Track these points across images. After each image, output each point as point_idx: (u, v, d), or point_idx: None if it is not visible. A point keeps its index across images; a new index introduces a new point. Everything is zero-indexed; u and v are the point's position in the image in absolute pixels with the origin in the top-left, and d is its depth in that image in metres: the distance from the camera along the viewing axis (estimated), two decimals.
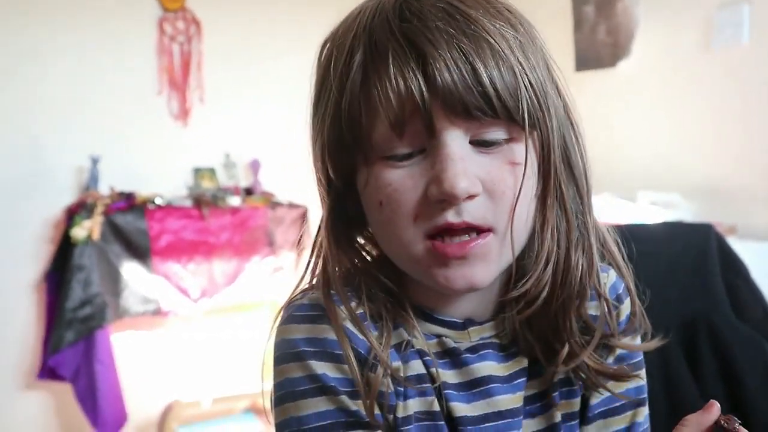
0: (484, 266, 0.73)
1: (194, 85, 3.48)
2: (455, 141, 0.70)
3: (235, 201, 3.32)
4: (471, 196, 0.71)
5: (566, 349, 0.78)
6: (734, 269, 1.59)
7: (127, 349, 3.22)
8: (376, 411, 0.76)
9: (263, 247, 3.33)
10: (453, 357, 0.80)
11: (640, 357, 0.86)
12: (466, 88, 0.68)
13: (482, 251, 0.72)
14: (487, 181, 0.71)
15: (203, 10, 3.48)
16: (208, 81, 3.50)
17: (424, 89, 0.69)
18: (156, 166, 3.40)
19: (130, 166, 3.33)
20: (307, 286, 0.84)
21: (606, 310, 0.80)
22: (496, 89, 0.69)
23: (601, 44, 3.26)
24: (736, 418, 0.68)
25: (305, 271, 0.84)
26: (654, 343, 0.84)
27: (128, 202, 3.10)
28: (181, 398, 3.23)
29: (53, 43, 3.19)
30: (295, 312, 0.80)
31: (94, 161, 3.15)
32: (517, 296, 0.76)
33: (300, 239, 3.34)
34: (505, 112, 0.70)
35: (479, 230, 0.72)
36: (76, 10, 3.24)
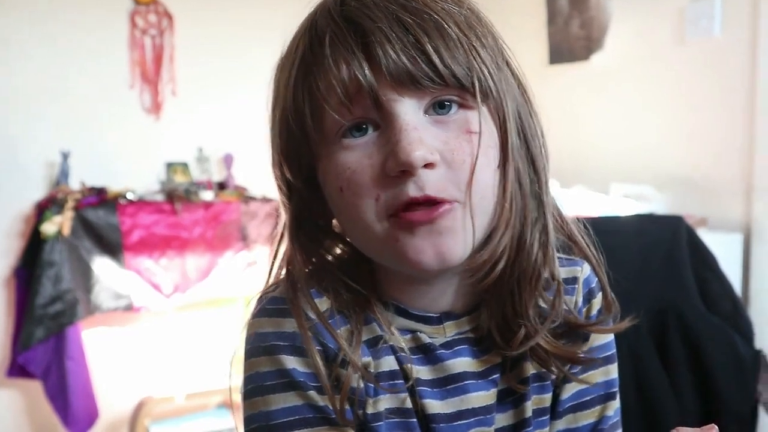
0: (453, 237, 0.71)
1: (166, 78, 3.45)
2: (408, 112, 0.70)
3: (208, 195, 3.30)
4: (429, 165, 0.69)
5: (522, 331, 0.76)
6: (704, 262, 1.61)
7: (98, 346, 3.19)
8: (346, 406, 0.75)
9: (236, 241, 3.31)
10: (427, 353, 0.79)
11: (612, 352, 0.86)
12: (410, 59, 0.68)
13: (449, 221, 0.70)
14: (445, 151, 0.70)
15: (175, 3, 3.45)
16: (180, 74, 3.47)
17: (365, 66, 0.69)
18: (128, 161, 3.37)
19: (101, 160, 3.30)
20: (279, 278, 0.83)
21: (560, 294, 0.79)
22: (442, 57, 0.69)
23: (574, 38, 3.26)
24: None
25: (269, 273, 0.83)
26: (623, 324, 0.82)
27: (99, 197, 3.07)
28: (153, 394, 3.21)
29: (23, 36, 3.15)
30: (267, 305, 0.79)
31: (65, 156, 3.12)
32: (477, 266, 0.74)
33: (273, 233, 3.34)
34: (454, 79, 0.69)
35: (444, 203, 0.71)
36: (46, 2, 3.20)
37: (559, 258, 0.83)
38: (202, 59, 3.51)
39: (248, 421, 0.77)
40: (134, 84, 3.40)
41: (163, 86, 3.45)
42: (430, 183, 0.69)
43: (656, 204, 2.69)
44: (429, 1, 0.71)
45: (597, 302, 0.85)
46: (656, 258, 1.59)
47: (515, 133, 0.75)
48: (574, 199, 2.69)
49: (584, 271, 0.85)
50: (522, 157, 0.76)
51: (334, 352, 0.75)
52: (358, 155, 0.72)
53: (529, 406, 0.81)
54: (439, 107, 0.71)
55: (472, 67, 0.70)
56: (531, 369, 0.81)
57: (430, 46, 0.68)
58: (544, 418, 0.82)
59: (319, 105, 0.71)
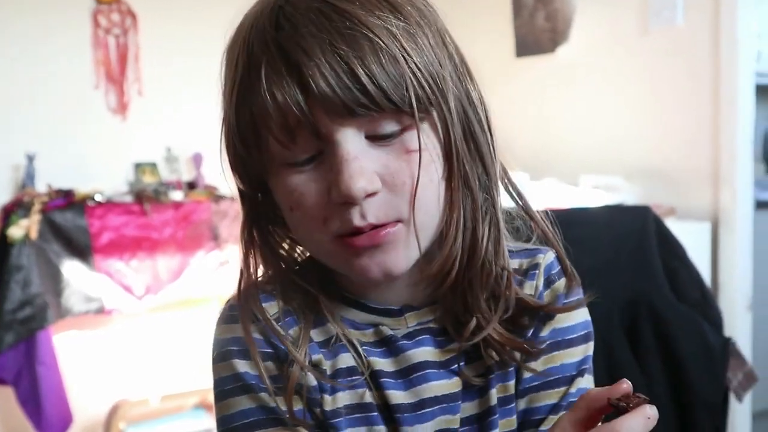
0: (396, 253, 0.74)
1: (132, 78, 3.42)
2: (348, 140, 0.70)
3: (177, 195, 3.28)
4: (371, 194, 0.71)
5: (473, 322, 0.78)
6: (672, 251, 1.62)
7: (70, 350, 3.15)
8: (300, 406, 0.77)
9: (208, 241, 3.29)
10: (389, 345, 0.81)
11: (585, 331, 0.85)
12: (344, 89, 0.68)
13: (392, 239, 0.73)
14: (386, 175, 0.72)
15: (138, 1, 3.42)
16: (146, 74, 3.44)
17: (301, 99, 0.69)
18: (95, 162, 3.34)
19: (68, 162, 3.26)
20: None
21: (510, 285, 0.79)
22: (376, 83, 0.68)
23: (540, 30, 3.28)
24: (642, 396, 0.62)
25: (240, 278, 0.84)
26: (577, 302, 0.84)
27: (67, 200, 3.03)
28: (128, 397, 3.18)
29: None
30: (225, 311, 0.83)
31: (30, 158, 3.08)
32: (432, 275, 0.77)
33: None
34: (389, 104, 0.69)
35: (386, 226, 0.73)
36: (8, 3, 3.16)
37: (523, 249, 0.87)
38: (167, 58, 3.48)
39: (217, 424, 0.81)
40: (99, 84, 3.37)
41: (129, 86, 3.42)
42: (373, 210, 0.71)
43: (625, 194, 2.71)
44: (365, 17, 0.70)
45: (560, 286, 0.85)
46: (626, 248, 1.60)
47: (461, 137, 0.75)
48: (544, 191, 2.71)
49: (547, 258, 0.85)
50: (469, 157, 0.76)
51: (285, 353, 0.78)
52: (304, 178, 0.73)
53: (494, 395, 0.81)
54: (380, 136, 0.72)
55: (409, 86, 0.69)
56: (493, 357, 0.81)
57: (363, 72, 0.68)
58: (510, 406, 0.83)
59: (262, 131, 0.72)
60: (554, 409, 0.82)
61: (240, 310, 0.80)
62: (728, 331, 1.82)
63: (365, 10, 0.70)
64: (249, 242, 0.82)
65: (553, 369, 0.83)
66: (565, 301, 0.84)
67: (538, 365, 0.82)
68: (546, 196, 2.61)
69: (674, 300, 1.55)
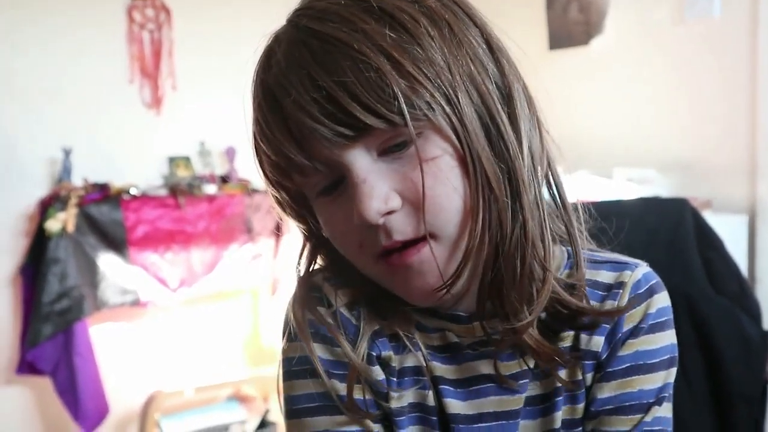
0: (433, 273, 0.71)
1: (166, 72, 3.44)
2: (356, 163, 0.69)
3: (211, 189, 3.30)
4: (390, 212, 0.69)
5: (510, 326, 0.73)
6: (710, 243, 1.60)
7: (106, 341, 3.19)
8: (367, 397, 0.77)
9: (241, 234, 3.31)
10: (453, 352, 0.79)
11: (660, 359, 0.80)
12: (329, 118, 0.67)
13: (425, 259, 0.71)
14: (405, 189, 0.69)
15: None
16: (180, 68, 3.46)
17: (292, 148, 0.69)
18: (130, 156, 3.37)
19: (103, 156, 3.29)
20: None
21: (546, 286, 0.74)
22: (361, 103, 0.66)
23: (573, 22, 3.26)
24: None
25: (300, 258, 0.85)
26: (664, 324, 0.80)
27: (103, 193, 3.07)
28: (163, 388, 3.22)
29: (21, 33, 3.14)
30: (306, 292, 0.81)
31: (66, 152, 3.12)
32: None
33: (278, 226, 3.35)
34: (380, 121, 0.67)
35: (416, 240, 0.71)
36: (44, 0, 3.19)
37: (609, 261, 0.82)
38: (200, 52, 3.50)
39: (283, 402, 0.81)
40: (134, 79, 3.39)
41: (163, 81, 3.44)
42: (397, 227, 0.70)
43: (659, 187, 2.69)
44: (343, 34, 0.68)
45: (648, 306, 0.79)
46: (662, 241, 1.58)
47: (479, 137, 0.71)
48: (577, 184, 2.69)
49: (635, 275, 0.80)
50: (492, 157, 0.71)
51: (354, 340, 0.77)
52: (334, 210, 0.73)
53: (559, 417, 0.79)
54: (391, 149, 0.70)
55: (399, 97, 0.66)
56: (563, 377, 0.78)
57: (344, 96, 0.66)
58: (576, 430, 0.80)
59: (283, 172, 0.74)
60: None
61: (318, 294, 0.79)
62: (767, 323, 1.80)
63: (346, 27, 0.68)
64: (320, 257, 0.83)
65: (629, 394, 0.78)
66: (621, 307, 0.78)
67: (612, 388, 0.78)
68: (578, 189, 2.59)
69: (712, 292, 1.54)
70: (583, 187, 2.65)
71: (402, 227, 0.70)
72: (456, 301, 0.75)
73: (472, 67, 0.71)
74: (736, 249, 1.65)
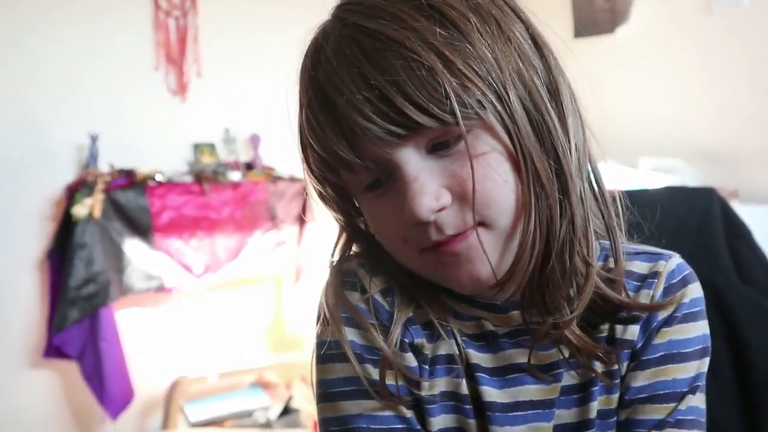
0: (481, 260, 0.71)
1: (191, 59, 3.46)
2: (407, 161, 0.70)
3: (235, 176, 3.32)
4: (441, 209, 0.70)
5: (550, 321, 0.74)
6: (737, 232, 1.59)
7: (131, 326, 3.23)
8: (399, 383, 0.77)
9: (265, 221, 3.33)
10: (489, 341, 0.79)
11: (694, 348, 0.80)
12: (383, 117, 0.67)
13: (474, 245, 0.71)
14: (454, 185, 0.70)
15: None
16: (205, 55, 3.47)
17: (340, 141, 0.70)
18: (155, 143, 3.39)
19: (129, 142, 3.32)
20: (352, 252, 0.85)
21: (589, 282, 0.74)
22: (414, 103, 0.67)
23: (599, 10, 3.23)
24: None
25: (336, 245, 0.86)
26: (697, 314, 0.81)
27: (128, 179, 3.10)
28: (187, 374, 3.25)
29: (48, 21, 3.16)
30: (341, 277, 0.81)
31: (93, 138, 3.14)
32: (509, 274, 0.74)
33: (302, 213, 3.37)
34: (432, 120, 0.67)
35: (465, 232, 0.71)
36: None
37: (644, 252, 0.83)
38: (226, 39, 3.51)
39: (316, 386, 0.81)
40: (159, 66, 3.41)
41: (188, 67, 3.45)
42: (448, 222, 0.71)
43: (685, 177, 2.67)
44: (393, 31, 0.68)
45: (682, 295, 0.80)
46: (689, 230, 1.57)
47: (528, 133, 0.71)
48: (603, 173, 2.67)
49: (669, 265, 0.81)
50: (541, 153, 0.72)
51: (388, 326, 0.77)
52: (380, 206, 0.74)
53: (594, 407, 0.79)
54: (441, 146, 0.70)
55: (451, 95, 0.67)
56: (599, 367, 0.79)
57: (397, 96, 0.66)
58: (610, 420, 0.80)
59: (331, 168, 0.74)
60: (659, 425, 0.78)
61: (353, 279, 0.80)
62: None
63: (397, 24, 0.68)
64: (359, 250, 0.84)
65: (663, 383, 0.79)
66: (663, 302, 0.79)
67: (647, 377, 0.79)
68: (604, 178, 2.57)
69: (739, 282, 1.52)
70: (608, 176, 2.63)
71: (453, 221, 0.71)
72: (502, 289, 0.75)
73: (521, 64, 0.72)
74: (763, 239, 1.63)
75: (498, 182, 0.70)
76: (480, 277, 0.73)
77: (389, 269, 0.79)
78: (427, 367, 0.79)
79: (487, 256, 0.71)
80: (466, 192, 0.70)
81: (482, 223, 0.71)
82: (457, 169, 0.70)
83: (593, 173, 0.79)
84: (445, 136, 0.70)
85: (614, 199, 0.81)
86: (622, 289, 0.78)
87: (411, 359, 0.78)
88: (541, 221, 0.71)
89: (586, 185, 0.76)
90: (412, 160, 0.70)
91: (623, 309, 0.78)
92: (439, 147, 0.70)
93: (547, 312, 0.75)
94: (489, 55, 0.70)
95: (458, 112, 0.67)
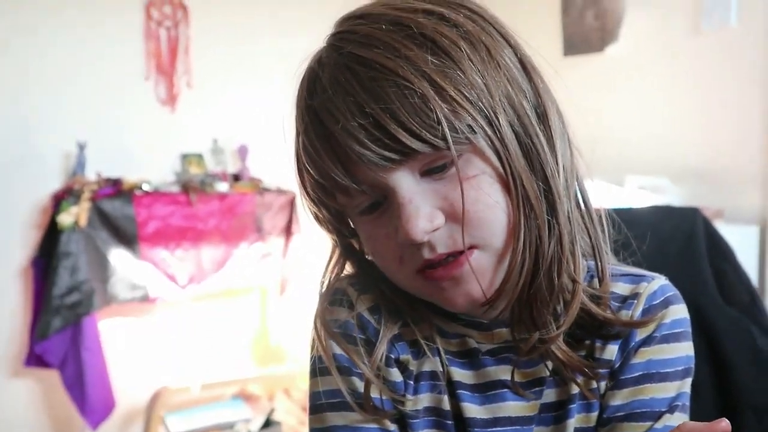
0: (476, 282, 0.74)
1: (182, 70, 3.46)
2: (401, 185, 0.72)
3: (223, 187, 3.31)
4: (434, 230, 0.72)
5: (536, 336, 0.76)
6: (721, 253, 1.60)
7: (114, 336, 3.21)
8: (386, 397, 0.79)
9: (251, 233, 3.32)
10: (472, 358, 0.82)
11: (675, 368, 0.81)
12: (377, 143, 0.69)
13: (468, 269, 0.73)
14: (446, 207, 0.72)
15: None
16: (195, 66, 3.48)
17: (339, 171, 0.72)
18: (143, 152, 3.38)
19: (117, 151, 3.31)
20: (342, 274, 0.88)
21: (576, 298, 0.76)
22: (408, 129, 0.68)
23: (589, 29, 3.25)
24: None
25: (328, 265, 0.88)
26: (680, 335, 0.81)
27: (115, 188, 3.09)
28: (169, 385, 3.23)
29: (40, 28, 3.16)
30: (333, 294, 0.85)
31: (81, 147, 3.13)
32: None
33: (289, 225, 3.37)
34: (425, 146, 0.69)
35: (459, 252, 0.73)
36: None
37: (628, 274, 0.84)
38: (217, 51, 3.52)
39: (309, 399, 0.84)
40: (149, 76, 3.41)
41: (179, 78, 3.46)
42: (441, 241, 0.72)
43: (671, 196, 2.68)
44: (387, 60, 0.70)
45: (663, 316, 0.81)
46: (673, 250, 1.58)
47: (518, 155, 0.73)
48: (590, 192, 2.68)
49: (650, 287, 0.82)
50: (530, 174, 0.74)
51: (373, 343, 0.80)
52: (376, 228, 0.76)
53: (572, 424, 0.80)
54: (434, 171, 0.72)
55: (442, 122, 0.68)
56: (581, 383, 0.80)
57: (391, 123, 0.68)
58: None
59: (328, 191, 0.76)
60: None
61: (343, 297, 0.83)
62: None
63: (390, 53, 0.70)
64: (350, 267, 0.86)
65: (641, 401, 0.80)
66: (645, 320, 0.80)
67: (624, 396, 0.80)
68: (591, 197, 2.58)
69: (722, 303, 1.53)
70: (595, 194, 2.64)
71: (445, 240, 0.72)
72: (491, 307, 0.77)
73: (510, 88, 0.74)
74: (747, 260, 1.64)
75: (489, 204, 0.72)
76: (475, 298, 0.75)
77: (378, 288, 0.82)
78: (411, 382, 0.81)
79: (479, 280, 0.74)
80: (458, 213, 0.71)
81: (474, 246, 0.73)
82: (449, 192, 0.72)
83: (580, 192, 0.80)
84: (437, 161, 0.71)
85: (600, 218, 0.83)
86: (608, 307, 0.80)
87: (396, 375, 0.81)
88: (531, 241, 0.73)
89: (573, 204, 0.78)
90: (406, 184, 0.72)
91: (607, 325, 0.79)
92: (432, 171, 0.72)
93: (534, 327, 0.76)
94: (479, 81, 0.71)
95: (449, 137, 0.69)
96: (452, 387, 0.80)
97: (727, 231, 1.77)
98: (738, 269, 1.61)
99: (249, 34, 3.56)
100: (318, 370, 0.82)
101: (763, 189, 2.58)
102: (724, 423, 0.59)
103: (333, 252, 0.87)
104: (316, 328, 0.83)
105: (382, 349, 0.79)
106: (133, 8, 3.37)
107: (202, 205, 3.21)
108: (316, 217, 0.83)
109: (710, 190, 2.72)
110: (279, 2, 3.56)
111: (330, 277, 0.86)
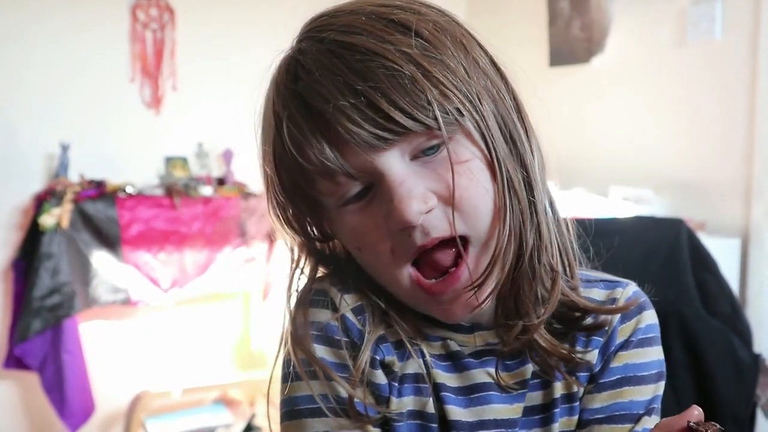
0: (468, 294, 0.74)
1: (167, 73, 3.45)
2: (392, 167, 0.71)
3: (207, 191, 3.30)
4: (428, 212, 0.71)
5: (519, 325, 0.77)
6: (704, 264, 1.61)
7: (95, 339, 3.19)
8: (370, 401, 0.78)
9: (235, 237, 3.31)
10: (455, 360, 0.81)
11: (650, 372, 0.83)
12: (370, 122, 0.69)
13: (465, 278, 0.73)
14: (439, 189, 0.72)
15: None
16: (181, 69, 3.46)
17: (327, 149, 0.71)
18: (127, 154, 3.37)
19: (101, 153, 3.29)
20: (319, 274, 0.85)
21: (556, 286, 0.77)
22: (399, 108, 0.69)
23: (575, 40, 3.27)
24: (717, 425, 0.61)
25: (295, 263, 0.85)
26: (652, 339, 0.83)
27: (98, 190, 3.07)
28: (150, 389, 3.21)
29: (26, 29, 3.14)
30: (311, 295, 0.82)
31: (64, 148, 3.11)
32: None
33: (272, 230, 3.36)
34: (417, 125, 0.69)
35: (452, 239, 0.73)
36: None
37: (602, 280, 0.86)
38: (203, 54, 3.50)
39: (280, 405, 0.81)
40: (135, 78, 3.40)
41: (164, 81, 3.44)
42: (433, 225, 0.72)
43: (655, 207, 2.69)
44: (372, 44, 0.70)
45: (639, 320, 0.83)
46: (657, 260, 1.59)
47: (501, 142, 0.75)
48: (574, 200, 2.70)
49: (626, 292, 0.84)
50: (512, 161, 0.75)
51: (357, 345, 0.78)
52: (361, 216, 0.74)
53: (556, 428, 0.81)
54: (424, 153, 0.72)
55: (433, 102, 0.69)
56: (560, 389, 0.81)
57: (383, 101, 0.68)
58: None
59: (306, 186, 0.75)
60: None
61: (324, 298, 0.80)
62: (756, 345, 1.80)
63: (375, 38, 0.71)
64: (331, 277, 0.83)
65: (620, 404, 0.81)
66: (617, 307, 0.82)
67: (604, 399, 0.81)
68: (574, 205, 2.60)
69: (704, 313, 1.54)
70: (578, 204, 2.65)
71: (439, 224, 0.72)
72: (477, 299, 0.76)
73: (488, 82, 0.76)
74: (728, 272, 1.65)
75: (480, 190, 0.73)
76: (474, 306, 0.75)
77: (360, 288, 0.80)
78: (396, 384, 0.79)
79: (471, 275, 0.73)
80: (450, 196, 0.72)
81: (465, 236, 0.73)
82: (442, 174, 0.72)
83: (548, 193, 0.82)
84: (428, 143, 0.72)
85: (566, 221, 0.84)
86: (582, 298, 0.81)
87: (381, 377, 0.79)
88: (514, 226, 0.74)
89: (547, 201, 0.80)
90: (397, 166, 0.71)
91: (588, 313, 0.81)
92: (424, 153, 0.72)
93: (518, 316, 0.77)
94: (462, 69, 0.73)
95: (440, 117, 0.69)
96: (436, 390, 0.80)
97: (710, 243, 1.78)
98: (720, 280, 1.62)
99: (236, 38, 3.55)
100: (296, 374, 0.79)
101: (746, 202, 2.60)
102: (697, 411, 0.62)
103: (298, 259, 0.84)
104: (294, 330, 0.79)
105: (367, 352, 0.77)
106: (119, 10, 3.35)
107: (186, 209, 3.19)
108: (284, 220, 0.81)
109: (693, 202, 2.74)
110: (267, 6, 3.55)
111: (298, 281, 0.83)
